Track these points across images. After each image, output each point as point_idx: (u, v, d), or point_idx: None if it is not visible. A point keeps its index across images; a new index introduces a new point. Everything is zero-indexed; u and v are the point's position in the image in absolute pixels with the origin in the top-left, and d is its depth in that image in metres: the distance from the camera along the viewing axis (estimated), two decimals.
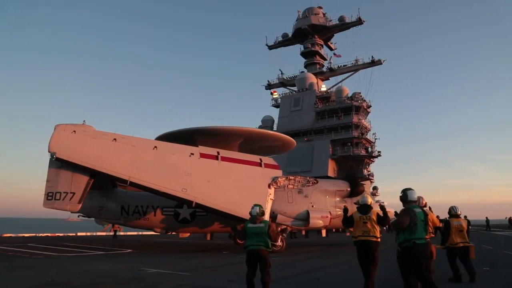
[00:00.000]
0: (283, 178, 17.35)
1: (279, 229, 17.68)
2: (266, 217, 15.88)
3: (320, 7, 60.02)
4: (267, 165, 17.69)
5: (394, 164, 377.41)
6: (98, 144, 15.52)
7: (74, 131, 15.41)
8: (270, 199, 16.94)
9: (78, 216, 18.22)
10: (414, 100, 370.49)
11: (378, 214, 7.10)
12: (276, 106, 59.48)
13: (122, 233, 30.62)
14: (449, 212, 9.01)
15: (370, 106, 53.33)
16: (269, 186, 16.85)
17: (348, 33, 58.53)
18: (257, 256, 6.60)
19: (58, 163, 15.02)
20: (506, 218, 57.56)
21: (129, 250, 17.58)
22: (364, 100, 52.20)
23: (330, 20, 59.08)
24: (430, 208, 8.98)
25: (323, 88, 57.07)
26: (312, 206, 18.97)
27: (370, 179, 49.38)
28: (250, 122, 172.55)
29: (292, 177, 17.78)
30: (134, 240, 26.39)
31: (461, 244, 8.51)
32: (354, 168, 47.55)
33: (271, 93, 61.50)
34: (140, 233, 33.46)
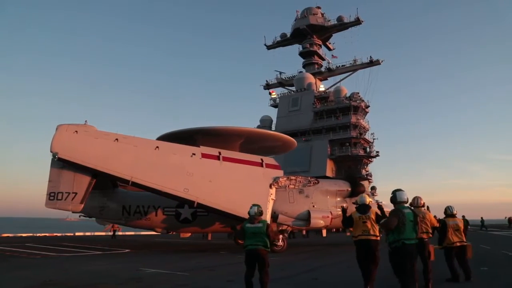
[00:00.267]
0: (284, 178, 17.41)
1: (278, 229, 17.77)
2: (268, 217, 15.97)
3: (319, 7, 60.07)
4: (268, 165, 17.74)
5: (393, 164, 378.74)
6: (100, 144, 15.54)
7: (76, 131, 15.43)
8: (272, 199, 17.00)
9: (80, 216, 18.23)
10: (413, 100, 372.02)
11: (376, 213, 7.17)
12: (275, 106, 59.49)
13: (120, 233, 30.59)
14: (445, 212, 9.00)
15: (369, 106, 53.44)
16: (270, 186, 16.90)
17: (347, 33, 58.73)
18: (255, 255, 6.59)
19: (60, 163, 15.05)
20: (505, 218, 57.49)
21: (127, 250, 17.61)
22: (363, 100, 52.27)
23: (329, 20, 59.12)
24: (428, 208, 9.03)
25: (322, 88, 57.16)
26: (313, 206, 19.02)
27: (368, 179, 49.45)
28: (248, 122, 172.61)
29: (293, 177, 17.83)
30: (132, 240, 26.40)
31: (458, 243, 8.54)
32: (352, 168, 47.68)
33: (270, 93, 61.49)
34: (139, 233, 33.45)
